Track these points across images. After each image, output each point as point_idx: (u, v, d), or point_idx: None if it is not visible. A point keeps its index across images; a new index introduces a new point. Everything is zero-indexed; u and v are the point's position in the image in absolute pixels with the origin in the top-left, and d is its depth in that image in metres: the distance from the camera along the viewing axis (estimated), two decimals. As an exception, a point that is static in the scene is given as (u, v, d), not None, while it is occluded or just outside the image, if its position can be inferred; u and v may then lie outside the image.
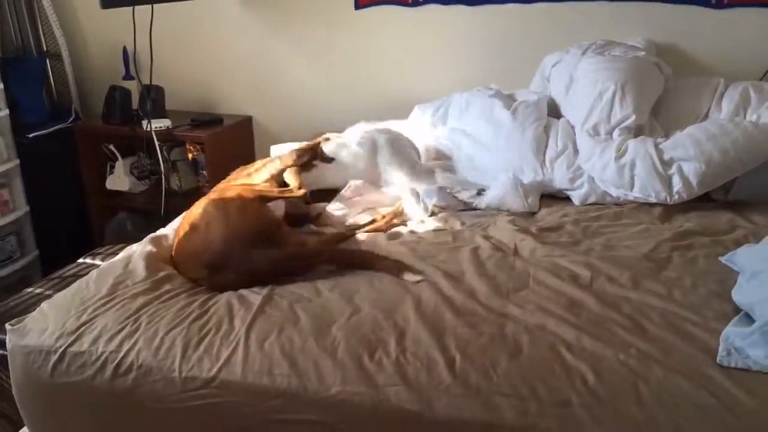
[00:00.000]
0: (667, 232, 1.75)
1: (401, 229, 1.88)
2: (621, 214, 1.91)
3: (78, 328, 1.40)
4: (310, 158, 2.00)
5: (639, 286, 1.47)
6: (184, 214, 1.84)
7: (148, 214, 2.96)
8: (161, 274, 1.58)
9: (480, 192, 2.04)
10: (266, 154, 2.85)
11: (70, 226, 3.08)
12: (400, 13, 2.67)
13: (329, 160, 2.06)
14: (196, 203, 1.81)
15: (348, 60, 2.81)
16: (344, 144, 2.17)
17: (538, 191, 2.03)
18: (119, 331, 1.38)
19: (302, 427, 1.24)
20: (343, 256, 1.66)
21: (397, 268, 1.56)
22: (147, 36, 2.73)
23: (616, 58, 2.19)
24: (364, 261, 1.61)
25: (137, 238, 1.84)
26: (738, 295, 1.37)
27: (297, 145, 2.15)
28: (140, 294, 1.49)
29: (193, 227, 1.68)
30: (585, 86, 2.14)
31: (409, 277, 1.53)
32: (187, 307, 1.44)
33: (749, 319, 1.30)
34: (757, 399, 1.12)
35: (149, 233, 1.87)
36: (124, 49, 2.99)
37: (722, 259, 1.56)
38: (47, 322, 1.44)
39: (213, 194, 1.82)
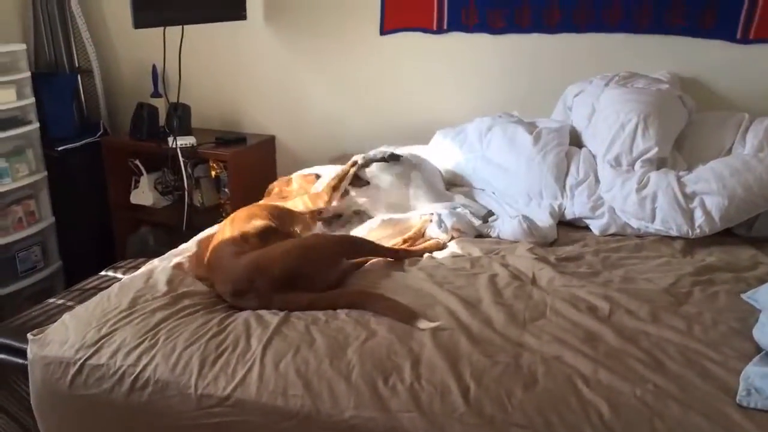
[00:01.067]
0: (688, 266, 1.73)
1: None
2: (642, 246, 1.90)
3: (98, 341, 1.42)
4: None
5: (658, 320, 1.45)
6: (233, 215, 1.89)
7: (170, 229, 3.00)
8: (181, 289, 1.60)
9: (487, 217, 2.04)
10: (287, 172, 2.89)
11: (94, 238, 3.14)
12: (425, 39, 2.71)
13: (364, 183, 2.08)
14: (247, 211, 1.86)
15: (371, 84, 2.85)
16: (385, 167, 2.17)
17: (551, 227, 2.00)
18: (138, 346, 1.40)
19: (316, 449, 1.24)
20: (356, 302, 1.56)
21: (408, 315, 1.47)
22: (176, 55, 2.80)
23: (639, 90, 2.19)
24: (378, 307, 1.52)
25: (158, 253, 1.87)
26: (759, 333, 1.35)
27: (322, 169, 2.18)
28: (159, 309, 1.51)
29: (235, 241, 1.73)
30: (607, 117, 2.15)
31: (423, 324, 1.43)
32: (205, 324, 1.45)
33: (771, 358, 1.28)
34: (777, 441, 1.10)
35: (171, 248, 1.90)
36: (154, 68, 3.06)
37: (744, 296, 1.53)
38: (68, 333, 1.46)
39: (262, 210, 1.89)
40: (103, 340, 1.42)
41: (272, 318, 1.48)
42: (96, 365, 1.38)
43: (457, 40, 2.67)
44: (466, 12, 2.62)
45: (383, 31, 2.77)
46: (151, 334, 1.42)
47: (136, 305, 1.53)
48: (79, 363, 1.39)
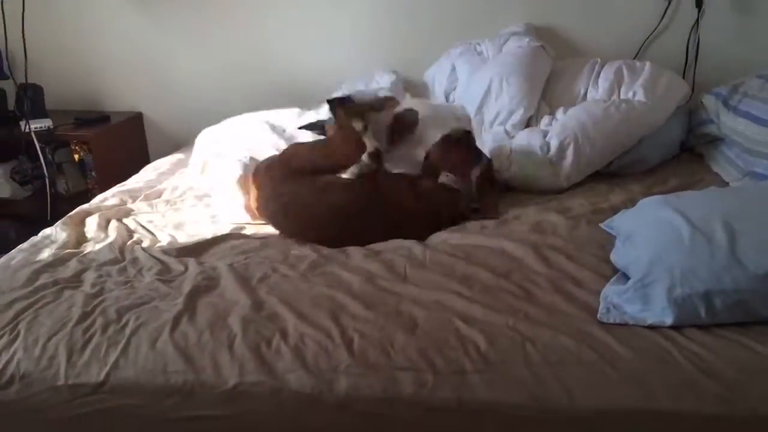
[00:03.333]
0: (551, 203, 1.84)
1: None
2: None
3: (-51, 343, 1.29)
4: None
5: (527, 255, 1.54)
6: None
7: (34, 220, 2.77)
8: (41, 279, 1.49)
9: None
10: (159, 151, 2.76)
11: (-55, 239, 2.84)
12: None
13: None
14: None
15: (240, 48, 2.75)
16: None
17: None
18: (-4, 342, 1.29)
19: (203, 423, 1.20)
20: None
21: None
22: (20, 32, 2.55)
23: (505, 55, 2.28)
24: None
25: (23, 248, 1.73)
26: (615, 256, 1.46)
27: None
28: (18, 300, 1.40)
29: None
30: (477, 88, 2.23)
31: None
32: (70, 310, 1.36)
33: (626, 278, 1.38)
34: (633, 351, 1.20)
35: (36, 240, 1.76)
36: (-5, 46, 2.78)
37: (602, 225, 1.65)
38: None
39: None
40: (-45, 341, 1.30)
41: (146, 293, 1.42)
42: (-50, 368, 1.25)
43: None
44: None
45: (247, -8, 2.68)
46: (10, 328, 1.31)
47: (-9, 300, 1.41)
48: (-70, 368, 1.26)
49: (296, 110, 2.30)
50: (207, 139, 2.26)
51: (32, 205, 2.76)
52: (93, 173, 2.74)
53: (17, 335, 1.30)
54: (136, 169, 2.37)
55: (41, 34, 2.71)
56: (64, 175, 2.78)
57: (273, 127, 2.15)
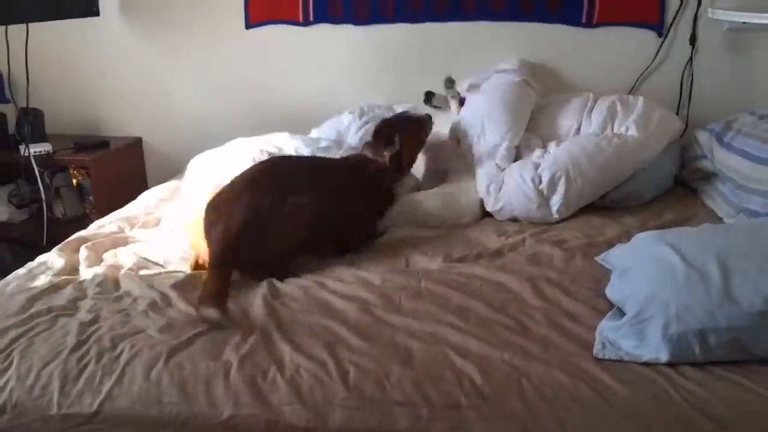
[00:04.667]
0: (547, 236, 1.85)
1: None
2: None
3: (-58, 371, 1.28)
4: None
5: (522, 288, 1.54)
6: None
7: (30, 244, 2.77)
8: (36, 306, 1.48)
9: None
10: (158, 177, 2.77)
11: (-60, 261, 2.83)
12: (292, 31, 2.68)
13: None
14: None
15: (241, 78, 2.78)
16: None
17: None
18: (-11, 370, 1.28)
19: (195, 454, 1.20)
20: None
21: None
22: (23, 57, 2.58)
23: (487, 91, 2.30)
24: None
25: (19, 273, 1.72)
26: (611, 291, 1.47)
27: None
28: (12, 327, 1.39)
29: None
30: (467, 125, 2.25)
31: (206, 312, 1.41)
32: (64, 338, 1.35)
33: (621, 313, 1.39)
34: (629, 387, 1.20)
35: (31, 265, 1.75)
36: (-2, 71, 2.81)
37: (597, 258, 1.66)
38: None
39: None
40: (-52, 368, 1.29)
41: (142, 322, 1.41)
42: (-59, 396, 1.24)
43: (324, 31, 2.67)
44: (332, 3, 2.63)
45: (249, 25, 2.72)
46: (4, 356, 1.31)
47: (-17, 327, 1.40)
48: None
49: (286, 134, 2.35)
50: (198, 166, 2.29)
51: (28, 228, 2.76)
52: (91, 198, 2.74)
53: (11, 363, 1.29)
54: (134, 195, 2.37)
55: (43, 59, 2.74)
56: (62, 200, 2.79)
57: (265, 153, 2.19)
